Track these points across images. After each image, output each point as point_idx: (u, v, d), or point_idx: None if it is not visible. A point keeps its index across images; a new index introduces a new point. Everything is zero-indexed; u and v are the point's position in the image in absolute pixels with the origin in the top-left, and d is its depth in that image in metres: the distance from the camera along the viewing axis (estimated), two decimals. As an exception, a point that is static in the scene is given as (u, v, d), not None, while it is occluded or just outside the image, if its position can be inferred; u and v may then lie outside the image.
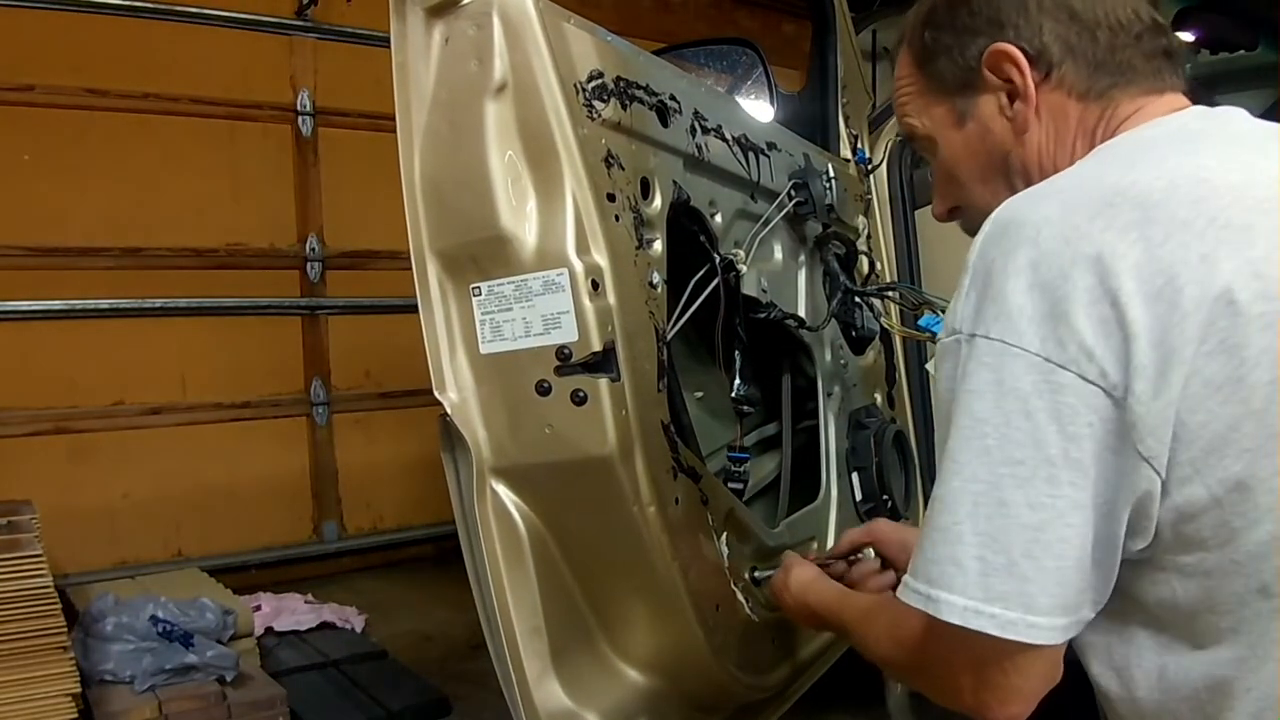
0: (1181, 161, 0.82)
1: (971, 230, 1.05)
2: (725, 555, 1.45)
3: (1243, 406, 0.75)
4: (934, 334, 1.79)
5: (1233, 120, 0.91)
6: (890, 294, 2.11)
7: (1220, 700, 0.80)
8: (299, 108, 4.11)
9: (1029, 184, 0.96)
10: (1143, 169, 0.82)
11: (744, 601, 1.49)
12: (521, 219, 1.18)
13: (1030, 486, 0.77)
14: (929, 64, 1.02)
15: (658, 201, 1.35)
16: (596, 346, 1.16)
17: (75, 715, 2.08)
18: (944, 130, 1.03)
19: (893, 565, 1.38)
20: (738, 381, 1.64)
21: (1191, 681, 0.82)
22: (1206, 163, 0.81)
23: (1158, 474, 0.76)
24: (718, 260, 1.51)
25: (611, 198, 1.23)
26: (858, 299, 2.05)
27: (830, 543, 1.87)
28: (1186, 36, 3.89)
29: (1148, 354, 0.74)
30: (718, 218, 1.55)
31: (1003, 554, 0.77)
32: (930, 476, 2.39)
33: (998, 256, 0.80)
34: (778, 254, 1.82)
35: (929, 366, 1.98)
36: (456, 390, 1.23)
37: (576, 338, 1.16)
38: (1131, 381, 0.75)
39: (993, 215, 0.84)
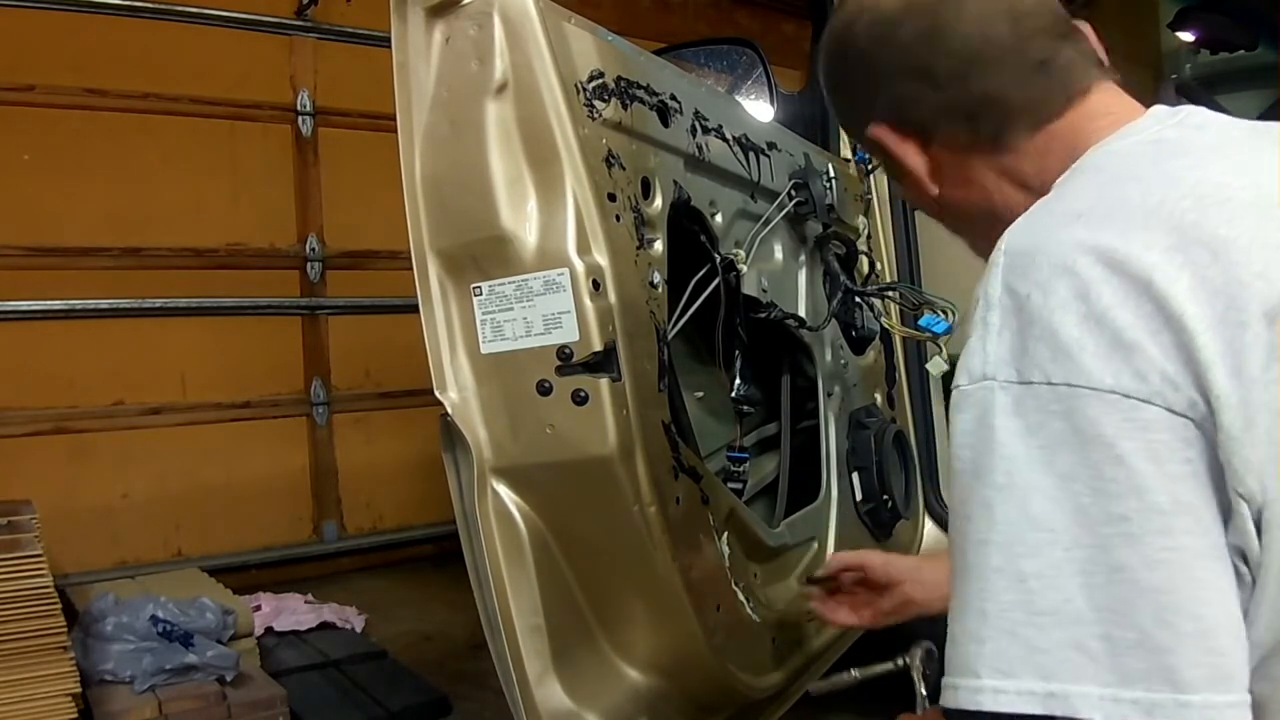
0: (1198, 178, 0.75)
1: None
2: (726, 555, 1.45)
3: None
4: (934, 334, 1.79)
5: (1204, 125, 0.84)
6: (890, 294, 2.11)
7: (1258, 715, 0.74)
8: (299, 108, 4.12)
9: (975, 224, 0.93)
10: (1161, 187, 0.74)
11: (744, 601, 1.49)
12: (522, 219, 1.18)
13: (1143, 543, 0.66)
14: (847, 126, 0.99)
15: (658, 201, 1.35)
16: (597, 346, 1.16)
17: (75, 715, 2.08)
18: (886, 167, 1.00)
19: (878, 599, 1.39)
20: (738, 381, 1.64)
21: None
22: (1220, 179, 0.75)
23: (1251, 513, 0.68)
24: (718, 260, 1.51)
25: (612, 197, 1.23)
26: (858, 299, 2.05)
27: (830, 543, 1.87)
28: (1186, 36, 3.89)
29: (1227, 384, 0.66)
30: (718, 217, 1.55)
31: (1131, 627, 0.65)
32: (929, 475, 2.40)
33: (1032, 290, 0.71)
34: (778, 254, 1.82)
35: (929, 367, 1.97)
36: (457, 390, 1.23)
37: (577, 337, 1.16)
38: (1218, 415, 0.66)
39: (1004, 244, 0.76)
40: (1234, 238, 0.70)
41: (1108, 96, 0.88)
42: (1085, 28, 0.92)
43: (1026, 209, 0.82)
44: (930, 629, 1.19)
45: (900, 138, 0.93)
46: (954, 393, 0.75)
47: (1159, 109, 0.87)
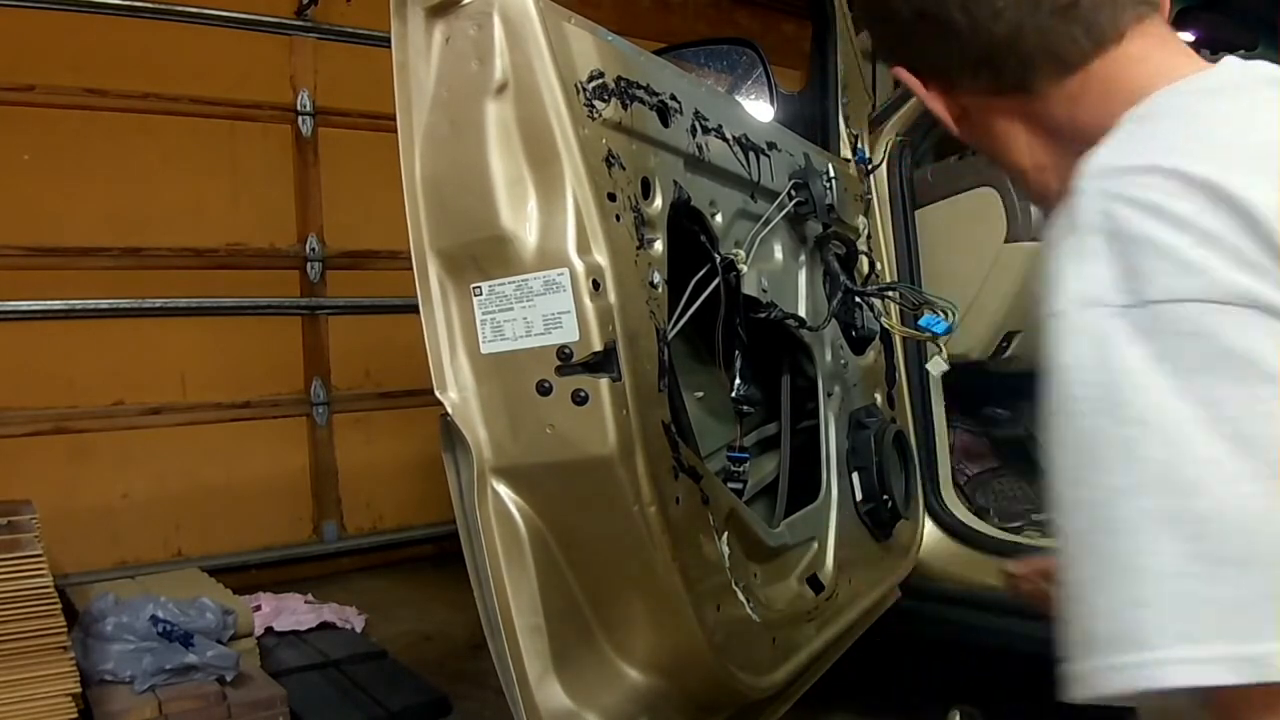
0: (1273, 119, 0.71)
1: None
2: (726, 555, 1.45)
3: None
4: (934, 334, 1.79)
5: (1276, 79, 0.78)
6: (890, 294, 2.11)
7: None
8: (299, 108, 4.11)
9: (1002, 168, 0.91)
10: (1251, 133, 0.70)
11: (744, 601, 1.49)
12: (522, 219, 1.18)
13: None
14: (882, 59, 0.95)
15: (658, 201, 1.35)
16: (597, 346, 1.16)
17: (75, 715, 2.08)
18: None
19: None
20: (738, 381, 1.64)
21: None
22: None
23: None
24: (718, 260, 1.51)
25: (612, 197, 1.23)
26: (858, 299, 2.05)
27: (830, 543, 1.87)
28: (1187, 36, 3.89)
29: None
30: (718, 218, 1.55)
31: None
32: (929, 475, 2.40)
33: (1134, 214, 0.65)
34: (778, 254, 1.82)
35: (929, 366, 1.97)
36: (457, 390, 1.23)
37: (577, 337, 1.17)
38: None
39: (1091, 170, 0.70)
40: None
41: (1148, 41, 0.81)
42: None
43: (1052, 157, 0.81)
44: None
45: (923, 84, 0.90)
46: (1051, 320, 0.66)
47: (1231, 60, 0.80)
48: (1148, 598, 0.58)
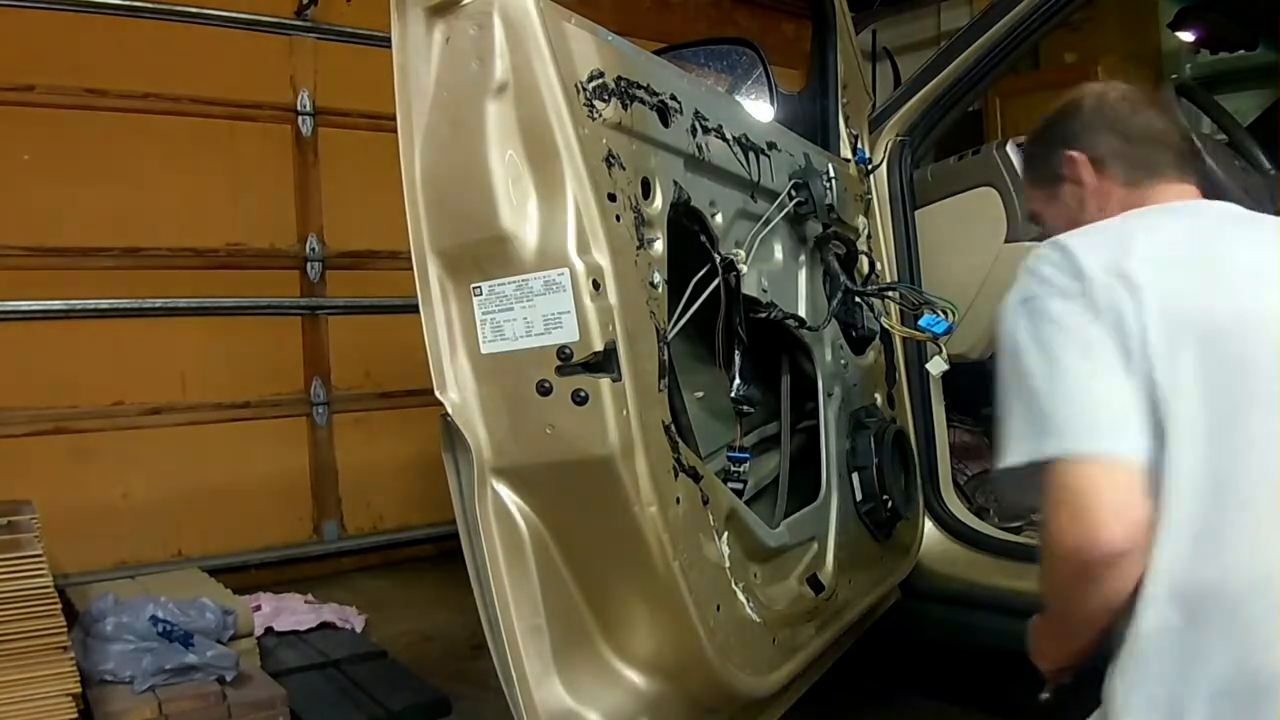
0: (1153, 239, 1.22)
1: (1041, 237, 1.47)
2: (726, 555, 1.45)
3: None
4: (934, 334, 1.79)
5: (1206, 211, 1.30)
6: (890, 294, 2.11)
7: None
8: (299, 108, 4.11)
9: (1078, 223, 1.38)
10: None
11: (744, 601, 1.49)
12: (522, 219, 1.18)
13: None
14: (1045, 147, 1.45)
15: (658, 201, 1.36)
16: (597, 346, 1.16)
17: (75, 715, 2.08)
18: (1044, 207, 1.48)
19: None
20: (738, 381, 1.64)
21: None
22: (1168, 241, 1.22)
23: None
24: (718, 260, 1.51)
25: (612, 197, 1.23)
26: (858, 299, 2.05)
27: (830, 543, 1.87)
28: (1186, 36, 3.89)
29: None
30: (718, 218, 1.55)
31: None
32: (929, 475, 2.40)
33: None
34: (778, 254, 1.82)
35: (929, 366, 1.98)
36: (457, 390, 1.23)
37: (577, 338, 1.17)
38: None
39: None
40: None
41: (1187, 188, 1.34)
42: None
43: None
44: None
45: (1088, 160, 1.37)
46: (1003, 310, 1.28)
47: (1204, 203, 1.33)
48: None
